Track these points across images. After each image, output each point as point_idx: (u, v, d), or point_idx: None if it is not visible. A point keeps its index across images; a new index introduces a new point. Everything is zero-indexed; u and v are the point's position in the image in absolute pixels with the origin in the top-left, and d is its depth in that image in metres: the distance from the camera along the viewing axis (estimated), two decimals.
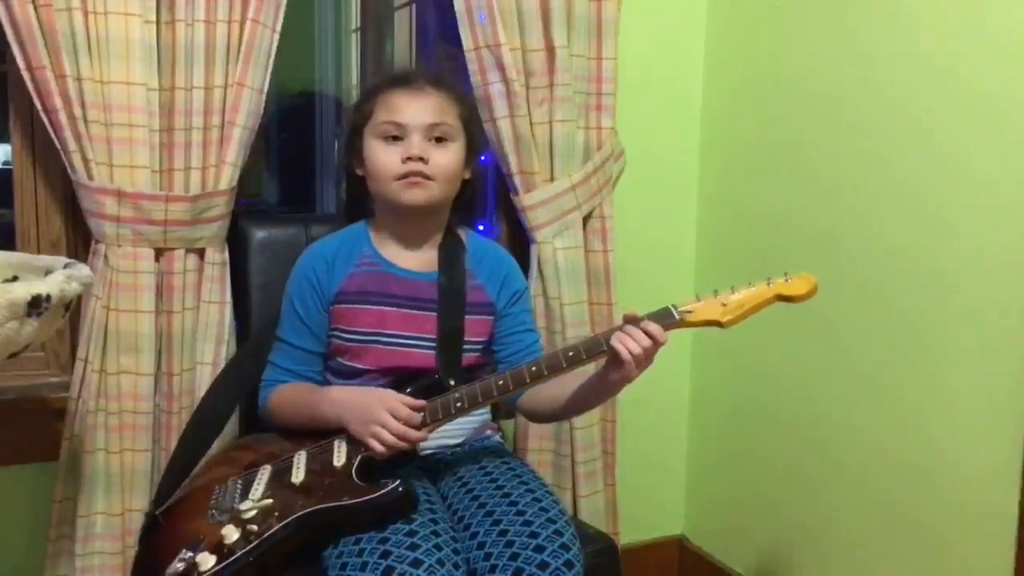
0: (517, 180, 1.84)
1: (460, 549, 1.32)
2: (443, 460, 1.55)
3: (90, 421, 1.59)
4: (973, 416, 1.57)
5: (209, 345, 1.65)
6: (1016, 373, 1.49)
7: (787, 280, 1.37)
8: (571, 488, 1.93)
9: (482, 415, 1.58)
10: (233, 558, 1.24)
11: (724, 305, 1.36)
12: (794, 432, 1.96)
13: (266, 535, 1.27)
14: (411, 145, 1.46)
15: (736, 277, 1.48)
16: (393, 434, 1.34)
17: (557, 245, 1.88)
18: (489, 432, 1.63)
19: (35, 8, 1.48)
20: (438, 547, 1.27)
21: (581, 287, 1.92)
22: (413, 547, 1.25)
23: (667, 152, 2.15)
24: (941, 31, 1.60)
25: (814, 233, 1.87)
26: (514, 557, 1.28)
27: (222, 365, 1.65)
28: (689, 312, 1.36)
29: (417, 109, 1.47)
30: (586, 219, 1.93)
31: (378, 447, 1.35)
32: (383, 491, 1.31)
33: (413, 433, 1.36)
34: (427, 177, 1.47)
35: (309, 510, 1.30)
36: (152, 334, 1.59)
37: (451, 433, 1.53)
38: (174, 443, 1.62)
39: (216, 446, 1.55)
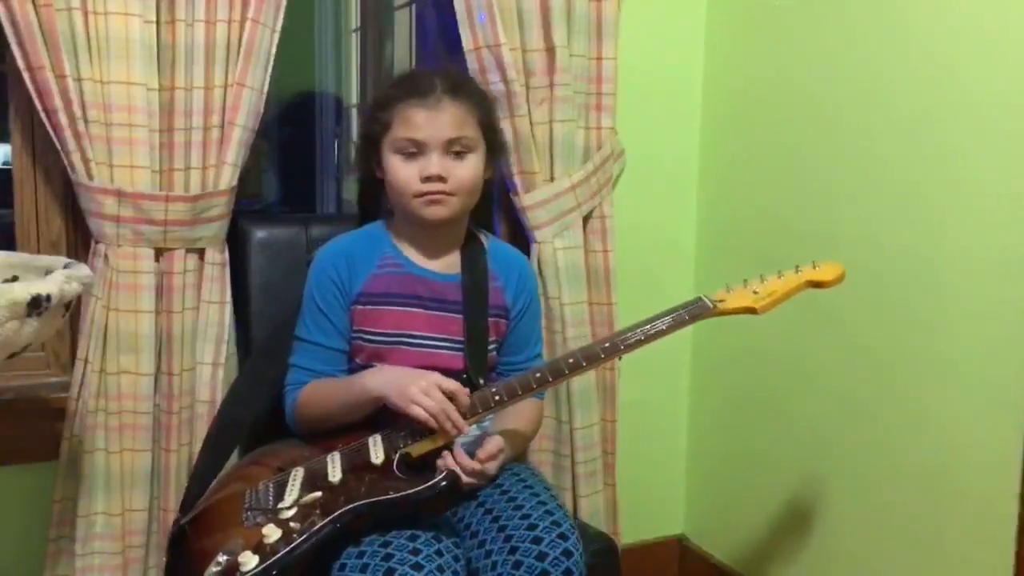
0: (517, 180, 1.84)
1: (460, 556, 1.32)
2: None
3: (90, 421, 1.59)
4: (974, 415, 1.57)
5: (209, 345, 1.65)
6: (1016, 372, 1.49)
7: (816, 268, 1.45)
8: (571, 488, 1.93)
9: (485, 423, 1.57)
10: (276, 556, 1.22)
11: (755, 293, 1.43)
12: (794, 432, 1.96)
13: (308, 532, 1.25)
14: (430, 164, 1.44)
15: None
16: (435, 400, 1.33)
17: (557, 245, 1.88)
18: None
19: (35, 8, 1.48)
20: (439, 553, 1.27)
21: (581, 287, 1.91)
22: (415, 551, 1.25)
23: (667, 152, 2.15)
24: (940, 32, 1.60)
25: (814, 233, 1.87)
26: (513, 551, 1.30)
27: (222, 365, 1.66)
28: (721, 301, 1.43)
29: (435, 126, 1.44)
30: (586, 219, 1.93)
31: (420, 413, 1.33)
32: (430, 483, 1.30)
33: (454, 412, 1.34)
34: (447, 193, 1.46)
35: (354, 504, 1.28)
36: (152, 334, 1.59)
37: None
38: (174, 443, 1.63)
39: (232, 458, 1.54)
